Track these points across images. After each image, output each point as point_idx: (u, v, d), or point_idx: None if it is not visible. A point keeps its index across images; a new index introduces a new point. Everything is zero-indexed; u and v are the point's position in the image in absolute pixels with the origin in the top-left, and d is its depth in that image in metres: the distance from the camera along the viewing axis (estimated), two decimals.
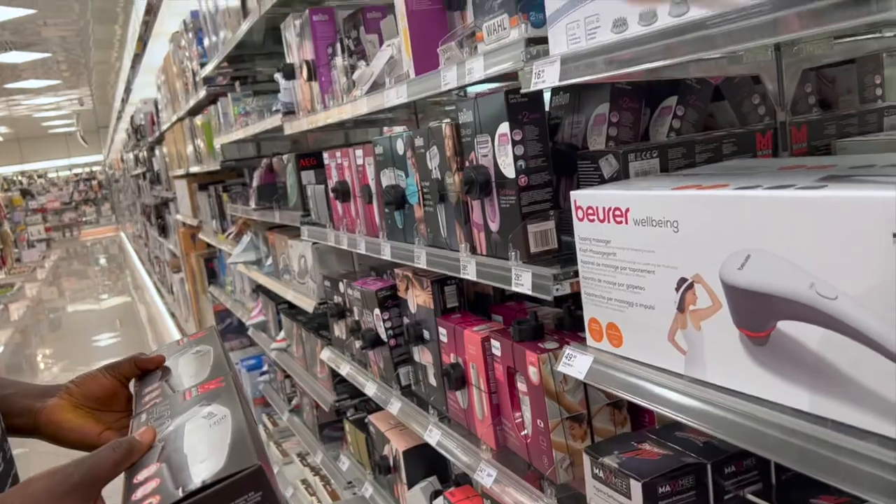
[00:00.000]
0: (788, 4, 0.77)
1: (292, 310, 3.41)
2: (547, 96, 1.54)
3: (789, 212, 0.85)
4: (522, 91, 1.21)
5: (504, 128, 1.37)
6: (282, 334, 3.56)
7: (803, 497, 1.14)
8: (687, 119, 1.48)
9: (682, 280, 1.02)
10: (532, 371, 1.48)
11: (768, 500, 1.19)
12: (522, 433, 1.59)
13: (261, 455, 0.73)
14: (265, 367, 4.41)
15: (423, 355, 2.02)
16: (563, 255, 1.40)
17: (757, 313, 0.91)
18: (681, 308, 1.03)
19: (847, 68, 1.75)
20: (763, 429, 0.88)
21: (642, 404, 1.08)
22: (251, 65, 4.34)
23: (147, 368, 1.09)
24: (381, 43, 2.10)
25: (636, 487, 1.15)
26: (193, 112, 5.19)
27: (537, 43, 1.20)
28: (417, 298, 2.00)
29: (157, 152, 8.12)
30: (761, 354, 0.92)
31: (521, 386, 1.55)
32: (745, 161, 1.27)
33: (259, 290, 4.09)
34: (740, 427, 0.91)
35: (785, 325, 0.88)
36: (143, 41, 6.86)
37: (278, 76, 2.72)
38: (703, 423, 0.97)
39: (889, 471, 0.74)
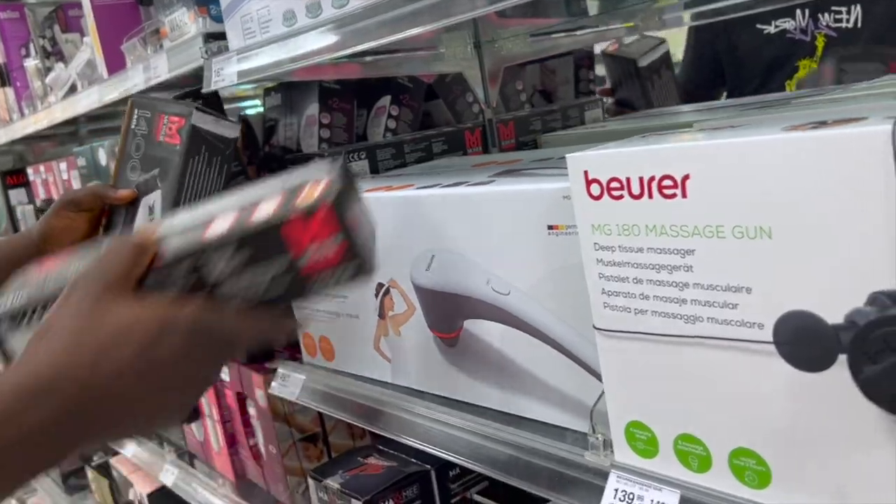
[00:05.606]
0: None
1: None
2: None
3: (462, 209, 0.82)
4: (204, 90, 1.09)
5: None
6: None
7: None
8: (402, 119, 1.45)
9: (380, 285, 0.97)
10: (259, 394, 1.37)
11: (494, 497, 1.19)
12: (258, 461, 1.47)
13: None
14: None
15: None
16: None
17: (444, 314, 0.88)
18: (381, 315, 0.98)
19: (566, 60, 1.79)
20: (458, 434, 0.85)
21: (351, 422, 1.01)
22: None
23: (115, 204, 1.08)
24: None
25: None
26: None
27: (217, 38, 1.09)
28: None
29: None
30: (453, 355, 0.89)
31: (252, 411, 1.43)
32: (450, 160, 1.26)
33: None
34: (440, 436, 0.88)
35: (470, 325, 0.85)
36: None
37: None
38: (407, 435, 0.92)
39: (563, 465, 0.73)
